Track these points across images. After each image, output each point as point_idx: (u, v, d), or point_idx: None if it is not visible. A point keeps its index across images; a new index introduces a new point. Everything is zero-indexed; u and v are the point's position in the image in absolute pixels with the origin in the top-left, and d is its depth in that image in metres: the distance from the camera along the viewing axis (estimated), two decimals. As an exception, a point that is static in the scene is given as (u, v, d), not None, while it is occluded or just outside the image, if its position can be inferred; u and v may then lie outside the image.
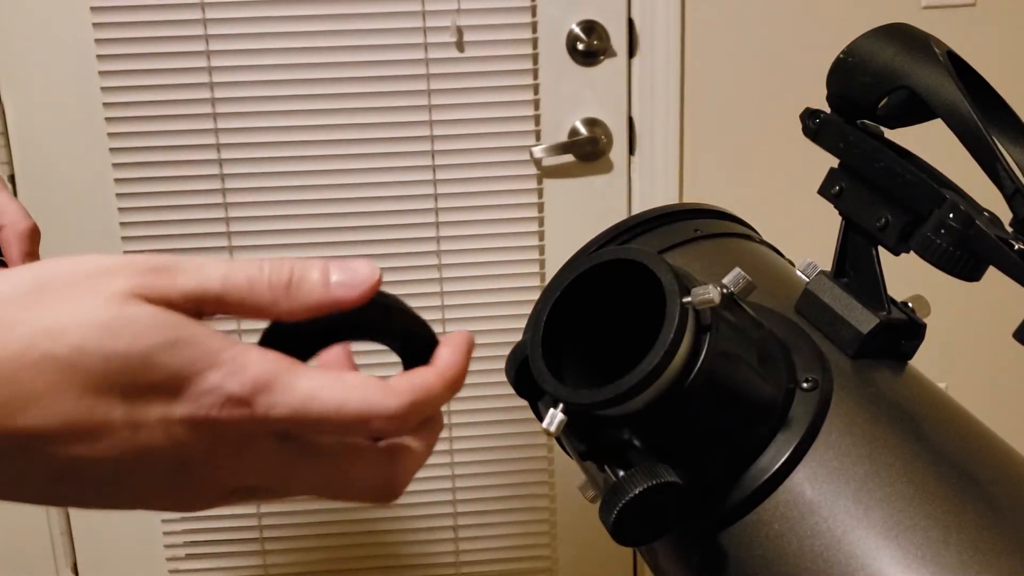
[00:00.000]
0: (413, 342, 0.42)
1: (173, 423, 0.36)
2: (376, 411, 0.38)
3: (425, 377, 0.40)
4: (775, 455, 0.48)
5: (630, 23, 1.51)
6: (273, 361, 0.37)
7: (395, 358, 0.42)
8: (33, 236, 0.70)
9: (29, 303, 0.36)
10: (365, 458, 0.40)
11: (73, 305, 0.36)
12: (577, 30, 1.49)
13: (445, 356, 0.41)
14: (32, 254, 0.69)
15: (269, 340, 0.39)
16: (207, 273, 0.37)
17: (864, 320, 0.52)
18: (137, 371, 0.36)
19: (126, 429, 0.36)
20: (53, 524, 1.64)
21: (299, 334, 0.39)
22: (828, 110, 0.55)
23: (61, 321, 0.35)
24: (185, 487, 0.39)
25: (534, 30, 1.48)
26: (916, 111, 0.51)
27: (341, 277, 0.38)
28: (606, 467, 0.48)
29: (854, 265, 0.55)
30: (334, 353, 0.44)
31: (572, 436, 0.50)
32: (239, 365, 0.36)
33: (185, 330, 0.36)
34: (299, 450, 0.39)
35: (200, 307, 0.38)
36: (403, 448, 0.41)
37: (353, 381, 0.38)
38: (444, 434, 1.61)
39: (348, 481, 0.40)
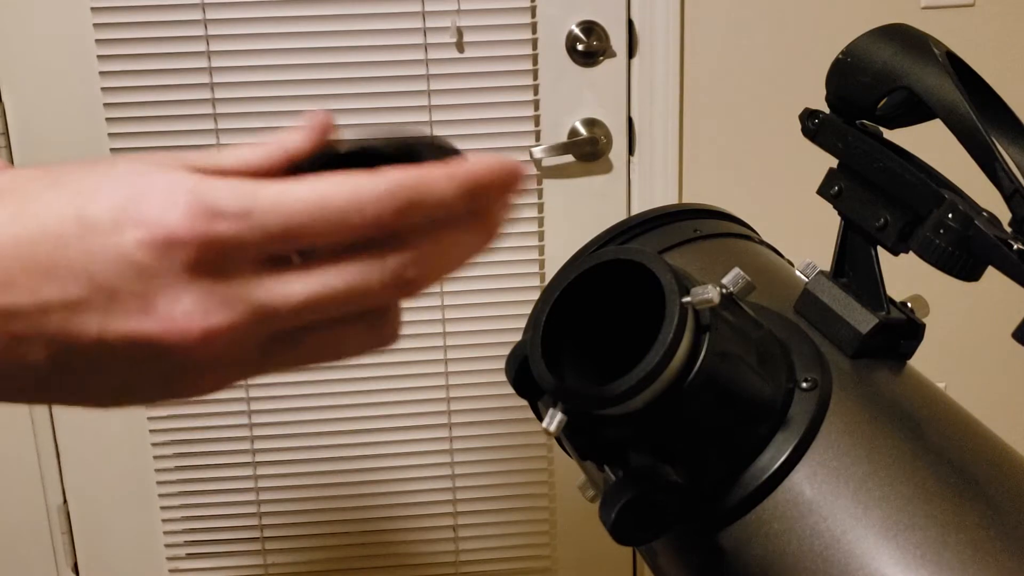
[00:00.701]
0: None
1: (124, 251, 0.31)
2: (364, 194, 0.32)
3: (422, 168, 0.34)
4: (774, 455, 0.48)
5: (630, 24, 1.51)
6: (234, 185, 0.32)
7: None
8: None
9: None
10: (352, 333, 0.35)
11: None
12: (577, 31, 1.49)
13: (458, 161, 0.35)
14: None
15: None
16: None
17: (863, 320, 0.52)
18: (85, 200, 0.32)
19: (81, 268, 0.32)
20: (53, 524, 1.64)
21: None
22: (827, 110, 0.55)
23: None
24: (156, 343, 0.33)
25: (534, 30, 1.48)
26: (915, 111, 0.51)
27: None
28: (606, 467, 0.48)
29: (853, 265, 0.55)
30: None
31: (572, 436, 0.51)
32: (197, 179, 0.32)
33: (144, 171, 0.33)
34: (285, 343, 0.34)
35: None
36: (389, 310, 0.36)
37: (329, 177, 0.33)
38: (444, 434, 1.61)
39: (341, 351, 0.35)
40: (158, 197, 0.31)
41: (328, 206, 0.32)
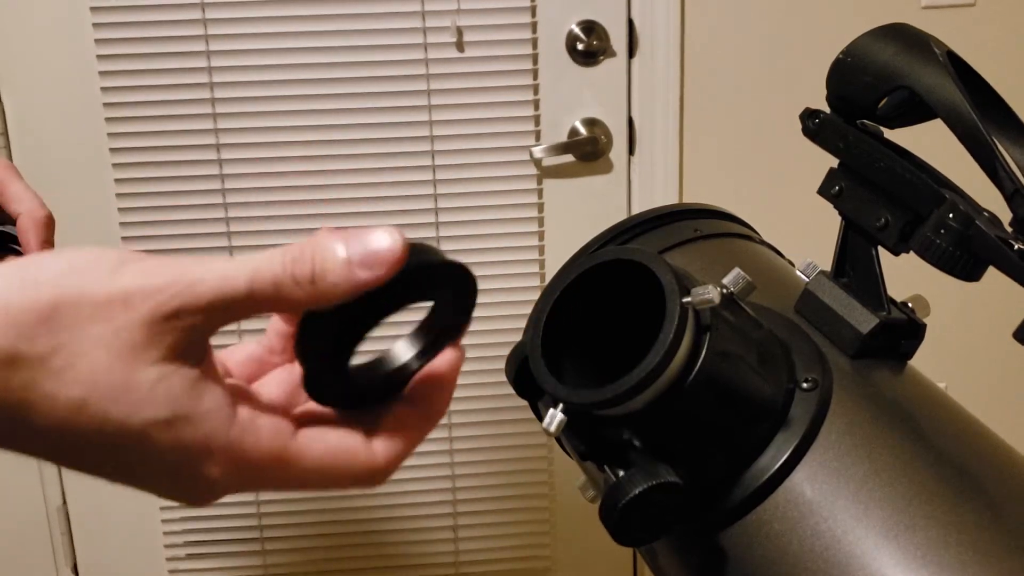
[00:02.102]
0: (456, 290, 0.41)
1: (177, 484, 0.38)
2: (361, 471, 0.42)
3: (408, 429, 0.43)
4: (775, 455, 0.48)
5: (630, 23, 1.51)
6: (271, 444, 0.39)
7: None
8: (49, 225, 0.69)
9: (42, 324, 0.35)
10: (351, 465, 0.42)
11: (83, 350, 0.35)
12: (577, 30, 1.49)
13: (430, 394, 0.44)
14: (48, 242, 0.68)
15: (307, 337, 0.39)
16: (232, 281, 0.37)
17: (864, 320, 0.52)
18: (132, 439, 0.36)
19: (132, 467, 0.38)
20: (53, 524, 1.64)
21: (335, 322, 0.38)
22: (828, 110, 0.55)
23: (68, 366, 0.35)
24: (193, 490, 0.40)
25: (534, 30, 1.48)
26: (916, 111, 0.51)
27: (361, 257, 0.37)
28: (606, 467, 0.48)
29: (854, 265, 0.55)
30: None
31: (572, 436, 0.50)
32: (237, 459, 0.38)
33: (187, 406, 0.37)
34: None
35: (227, 314, 0.37)
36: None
37: (335, 444, 0.41)
38: (444, 434, 1.61)
39: (335, 482, 0.42)
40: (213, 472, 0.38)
41: (331, 477, 0.41)
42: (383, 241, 0.37)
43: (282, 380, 0.45)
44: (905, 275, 0.59)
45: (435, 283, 0.40)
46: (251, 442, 0.38)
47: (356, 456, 0.41)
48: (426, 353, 0.43)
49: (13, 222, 0.66)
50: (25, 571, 1.66)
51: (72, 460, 0.38)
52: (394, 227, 0.38)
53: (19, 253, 0.64)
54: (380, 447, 0.42)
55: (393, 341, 0.43)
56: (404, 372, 0.43)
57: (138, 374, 0.36)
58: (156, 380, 0.36)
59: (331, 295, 0.37)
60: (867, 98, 0.52)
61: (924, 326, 0.54)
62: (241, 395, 0.39)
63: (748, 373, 0.48)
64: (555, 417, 0.47)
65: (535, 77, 1.50)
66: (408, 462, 1.32)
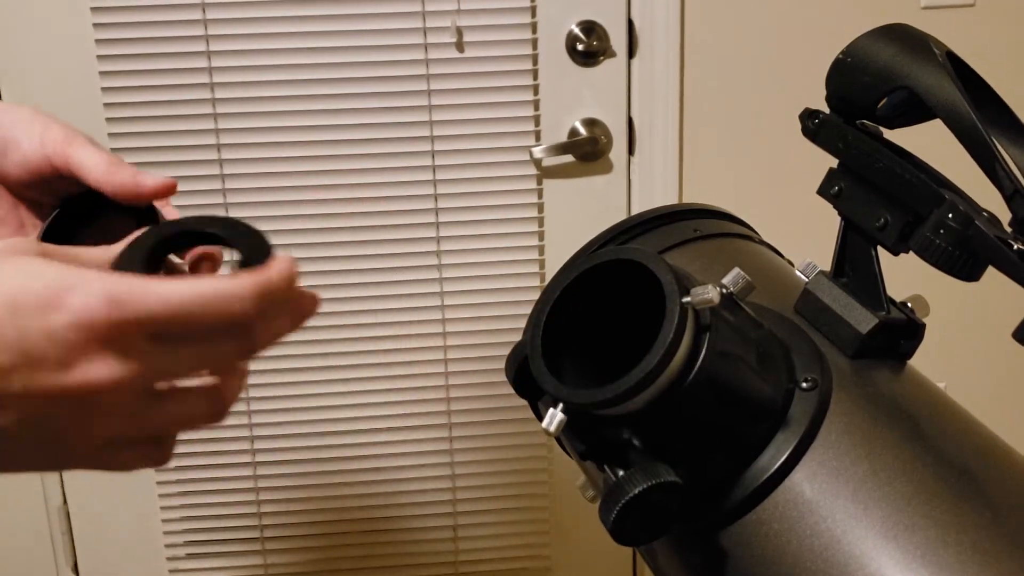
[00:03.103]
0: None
1: (55, 335, 0.41)
2: (230, 293, 0.43)
3: (266, 269, 0.45)
4: (774, 455, 0.48)
5: (630, 24, 1.51)
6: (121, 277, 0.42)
7: None
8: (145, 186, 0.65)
9: None
10: (195, 393, 0.45)
11: None
12: (577, 30, 1.49)
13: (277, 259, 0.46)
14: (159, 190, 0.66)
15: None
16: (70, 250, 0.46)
17: (863, 320, 0.52)
18: (19, 289, 0.40)
19: (17, 353, 0.41)
20: (53, 524, 1.64)
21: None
22: (827, 110, 0.55)
23: None
24: (95, 421, 0.43)
25: (534, 30, 1.48)
26: (915, 111, 0.51)
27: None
28: (606, 467, 0.48)
29: (853, 265, 0.55)
30: None
31: (572, 436, 0.51)
32: (108, 275, 0.42)
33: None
34: (150, 397, 0.44)
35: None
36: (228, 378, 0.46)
37: (203, 279, 0.43)
38: (444, 434, 1.61)
39: (189, 417, 0.45)
40: (80, 290, 0.41)
41: (201, 302, 0.42)
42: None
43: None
44: (905, 275, 0.59)
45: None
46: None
47: (218, 280, 0.43)
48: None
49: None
50: (25, 571, 1.66)
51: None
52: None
53: (129, 212, 0.62)
54: (245, 278, 0.44)
55: None
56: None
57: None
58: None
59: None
60: (867, 98, 0.52)
61: (923, 326, 0.54)
62: None
63: (748, 373, 0.48)
64: (555, 417, 0.47)
65: (535, 77, 1.50)
66: (408, 462, 1.33)
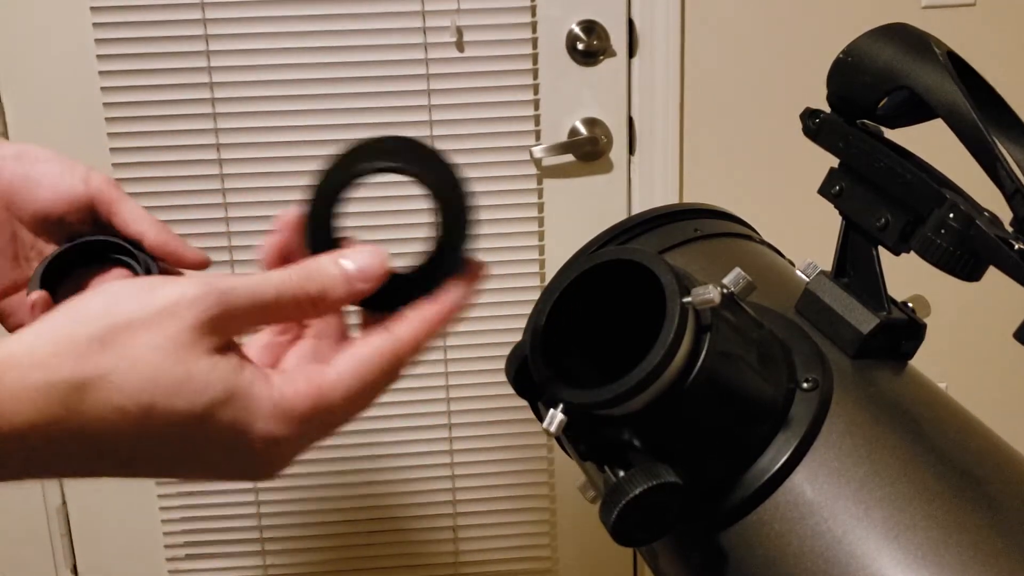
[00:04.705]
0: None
1: (235, 460, 0.43)
2: (391, 356, 0.46)
3: (420, 310, 0.47)
4: (775, 455, 0.48)
5: (630, 23, 1.51)
6: (308, 384, 0.44)
7: None
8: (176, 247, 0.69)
9: (99, 347, 0.40)
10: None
11: (141, 353, 0.40)
12: (577, 30, 1.49)
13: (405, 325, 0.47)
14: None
15: None
16: (262, 291, 0.44)
17: (864, 320, 0.52)
18: (198, 428, 0.41)
19: (196, 466, 0.43)
20: (53, 525, 1.64)
21: None
22: (828, 110, 0.55)
23: (131, 373, 0.40)
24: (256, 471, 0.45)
25: (534, 30, 1.48)
26: (916, 111, 0.51)
27: (357, 273, 0.46)
28: (606, 467, 0.48)
29: (854, 265, 0.55)
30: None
31: (572, 436, 0.50)
32: (287, 406, 0.43)
33: (236, 382, 0.42)
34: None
35: (257, 318, 0.44)
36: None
37: (362, 349, 0.46)
38: (444, 434, 1.61)
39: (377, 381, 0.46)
40: (259, 433, 0.43)
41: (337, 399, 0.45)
42: (373, 259, 0.47)
43: (299, 354, 0.51)
44: (905, 275, 0.59)
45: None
46: (291, 391, 0.43)
47: (382, 348, 0.45)
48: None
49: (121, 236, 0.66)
50: (25, 571, 1.66)
51: (150, 463, 0.42)
52: (377, 247, 0.47)
53: (128, 264, 0.65)
54: (401, 328, 0.46)
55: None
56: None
57: (192, 366, 0.41)
58: (209, 369, 0.41)
59: (336, 307, 0.46)
60: (867, 98, 0.52)
61: (924, 326, 0.54)
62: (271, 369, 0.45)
63: (748, 373, 0.48)
64: (555, 417, 0.47)
65: (535, 77, 1.50)
66: (408, 461, 1.33)
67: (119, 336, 0.40)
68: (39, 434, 0.39)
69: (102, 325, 0.40)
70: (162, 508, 1.64)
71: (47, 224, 0.64)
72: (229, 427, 0.42)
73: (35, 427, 0.39)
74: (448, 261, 0.48)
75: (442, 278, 0.48)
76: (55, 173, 0.63)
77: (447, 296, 0.48)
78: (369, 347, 0.45)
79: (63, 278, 0.64)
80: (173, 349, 0.40)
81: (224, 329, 0.42)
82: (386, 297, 0.47)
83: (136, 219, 0.63)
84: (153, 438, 0.41)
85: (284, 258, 0.49)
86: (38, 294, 0.62)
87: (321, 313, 0.46)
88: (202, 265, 0.64)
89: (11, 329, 0.64)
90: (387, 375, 0.46)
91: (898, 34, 0.52)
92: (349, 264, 0.46)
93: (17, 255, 0.65)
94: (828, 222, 0.57)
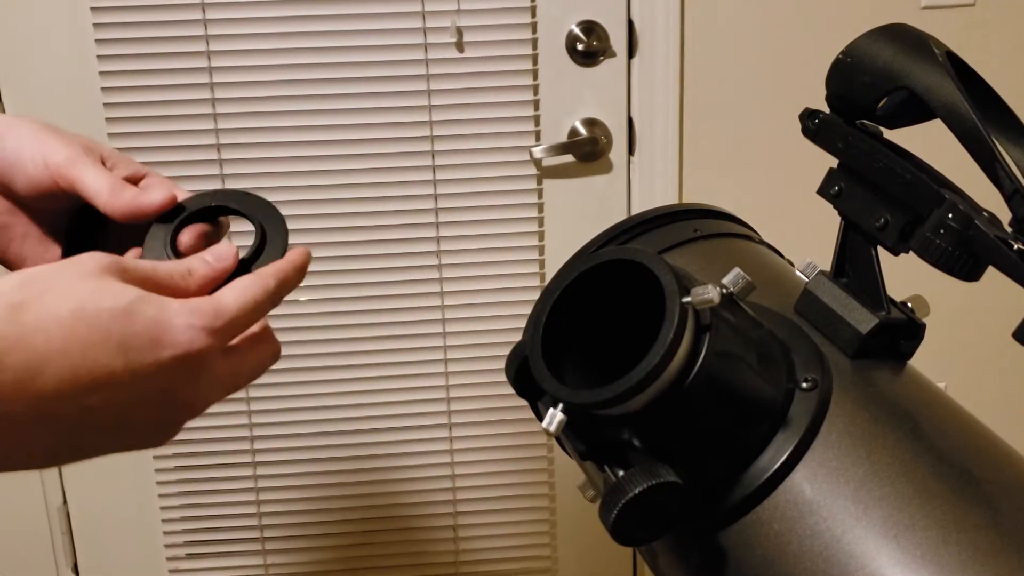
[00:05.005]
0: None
1: (163, 364, 0.48)
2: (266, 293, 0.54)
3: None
4: (775, 455, 0.48)
5: (630, 23, 1.51)
6: (207, 301, 0.51)
7: None
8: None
9: (28, 288, 0.47)
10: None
11: (63, 282, 0.47)
12: (577, 30, 1.49)
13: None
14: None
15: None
16: (154, 270, 0.52)
17: (863, 320, 0.52)
18: (125, 322, 0.47)
19: (126, 375, 0.47)
20: (53, 524, 1.64)
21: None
22: (827, 110, 0.55)
23: (59, 293, 0.46)
24: (171, 419, 0.52)
25: (534, 30, 1.48)
26: (915, 111, 0.51)
27: (214, 255, 0.56)
28: (606, 467, 0.48)
29: (853, 265, 0.55)
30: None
31: (572, 436, 0.51)
32: (194, 305, 0.50)
33: (146, 288, 0.49)
34: (231, 358, 0.53)
35: (144, 285, 0.50)
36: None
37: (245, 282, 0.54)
38: (444, 434, 1.61)
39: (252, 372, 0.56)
40: (181, 327, 0.49)
41: (258, 302, 0.53)
42: (226, 248, 0.57)
43: None
44: (905, 275, 0.59)
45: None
46: (195, 301, 0.51)
47: (264, 273, 0.55)
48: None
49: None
50: (25, 571, 1.66)
51: (86, 379, 0.46)
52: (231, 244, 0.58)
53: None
54: (267, 269, 0.56)
55: None
56: None
57: (106, 281, 0.48)
58: (120, 283, 0.49)
59: (202, 281, 0.55)
60: (867, 98, 0.52)
61: (924, 326, 0.54)
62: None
63: (748, 373, 0.48)
64: (555, 417, 0.47)
65: (535, 77, 1.50)
66: (408, 461, 1.34)
67: (40, 278, 0.47)
68: None
69: (21, 278, 0.47)
70: (163, 508, 1.64)
71: (43, 202, 0.63)
72: (152, 321, 0.48)
73: None
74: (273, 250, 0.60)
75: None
76: (26, 160, 0.62)
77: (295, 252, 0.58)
78: (251, 276, 0.54)
79: (94, 243, 0.64)
80: (88, 274, 0.48)
81: (123, 278, 0.49)
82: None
83: (93, 193, 0.61)
84: (87, 341, 0.46)
85: None
86: None
87: (192, 285, 0.54)
88: (169, 204, 0.63)
89: None
90: (270, 296, 0.54)
91: (897, 34, 0.52)
92: (208, 253, 0.56)
93: (43, 235, 0.65)
94: (827, 222, 0.57)
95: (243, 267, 0.58)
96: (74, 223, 0.65)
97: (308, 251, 0.58)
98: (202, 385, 0.51)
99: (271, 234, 0.61)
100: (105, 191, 0.61)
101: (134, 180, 0.64)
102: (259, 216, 0.61)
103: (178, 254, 0.60)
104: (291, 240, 0.60)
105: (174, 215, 0.61)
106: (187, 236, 0.62)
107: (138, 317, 0.47)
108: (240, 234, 0.63)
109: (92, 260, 0.49)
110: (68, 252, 0.64)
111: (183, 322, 0.49)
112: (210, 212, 0.63)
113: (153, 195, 0.61)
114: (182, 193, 0.64)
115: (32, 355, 0.44)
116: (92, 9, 1.43)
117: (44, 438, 0.47)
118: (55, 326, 0.45)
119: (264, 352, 0.57)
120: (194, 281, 0.54)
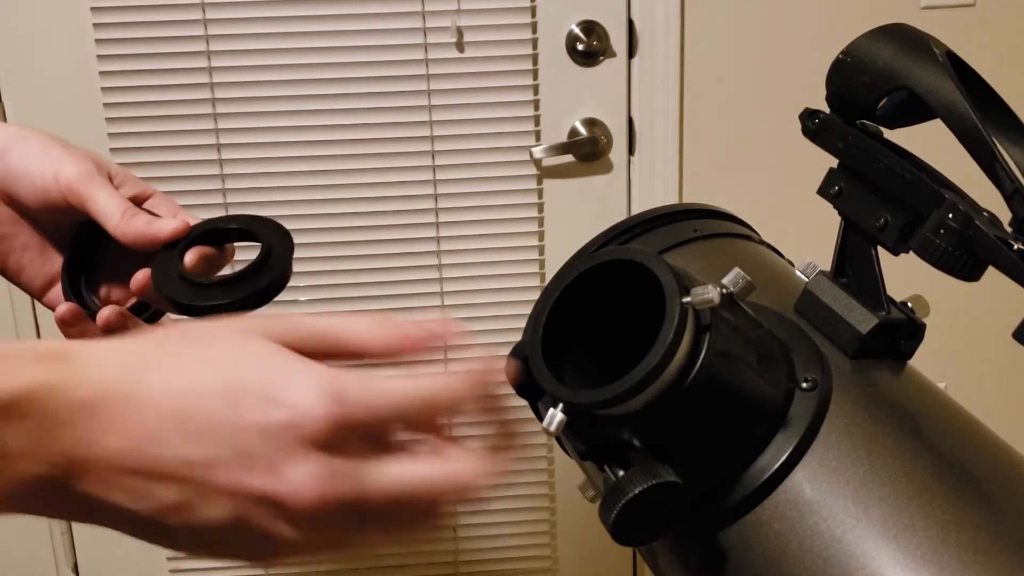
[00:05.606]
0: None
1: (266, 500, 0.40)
2: (443, 389, 0.45)
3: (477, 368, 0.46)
4: (775, 455, 0.48)
5: (630, 23, 1.51)
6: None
7: None
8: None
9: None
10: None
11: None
12: (577, 30, 1.49)
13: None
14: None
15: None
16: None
17: (863, 320, 0.52)
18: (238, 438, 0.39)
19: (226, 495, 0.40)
20: (54, 524, 1.64)
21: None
22: (828, 110, 0.55)
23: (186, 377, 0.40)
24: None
25: (534, 30, 1.48)
26: (915, 111, 0.51)
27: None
28: (606, 467, 0.48)
29: (853, 265, 0.55)
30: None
31: (572, 436, 0.51)
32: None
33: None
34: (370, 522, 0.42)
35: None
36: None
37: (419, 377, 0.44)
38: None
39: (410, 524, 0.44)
40: (297, 384, 0.40)
41: (421, 398, 0.45)
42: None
43: None
44: (905, 275, 0.59)
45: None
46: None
47: (437, 383, 0.45)
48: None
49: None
50: (26, 570, 1.66)
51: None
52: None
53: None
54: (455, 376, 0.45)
55: None
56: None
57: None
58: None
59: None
60: (867, 98, 0.52)
61: (924, 326, 0.54)
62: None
63: (748, 373, 0.48)
64: (555, 417, 0.47)
65: (535, 77, 1.50)
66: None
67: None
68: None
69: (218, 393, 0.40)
70: (162, 508, 1.63)
71: (49, 216, 0.63)
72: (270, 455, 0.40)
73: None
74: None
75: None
76: (34, 172, 0.61)
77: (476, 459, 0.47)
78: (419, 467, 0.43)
79: (89, 267, 0.65)
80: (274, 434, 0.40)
81: (331, 446, 0.40)
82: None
83: (107, 215, 0.61)
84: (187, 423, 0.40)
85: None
86: (67, 307, 0.62)
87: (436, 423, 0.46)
88: (182, 233, 0.62)
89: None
90: (428, 502, 0.44)
91: (897, 34, 0.52)
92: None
93: (45, 247, 0.64)
94: (827, 222, 0.57)
95: (245, 281, 0.56)
96: (77, 236, 0.65)
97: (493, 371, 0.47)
98: (315, 466, 0.40)
99: (276, 251, 0.61)
100: (116, 215, 0.61)
101: (140, 199, 0.65)
102: (266, 238, 0.62)
103: (185, 277, 0.59)
104: (292, 241, 0.61)
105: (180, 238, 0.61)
106: (190, 258, 0.61)
107: (255, 375, 0.41)
108: (243, 262, 0.63)
109: (303, 430, 0.40)
110: (69, 264, 0.64)
111: (301, 385, 0.41)
112: (216, 235, 0.63)
113: (165, 225, 0.61)
114: (192, 220, 0.64)
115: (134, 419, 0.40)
116: (92, 9, 1.43)
117: (146, 496, 0.41)
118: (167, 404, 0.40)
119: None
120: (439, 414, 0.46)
